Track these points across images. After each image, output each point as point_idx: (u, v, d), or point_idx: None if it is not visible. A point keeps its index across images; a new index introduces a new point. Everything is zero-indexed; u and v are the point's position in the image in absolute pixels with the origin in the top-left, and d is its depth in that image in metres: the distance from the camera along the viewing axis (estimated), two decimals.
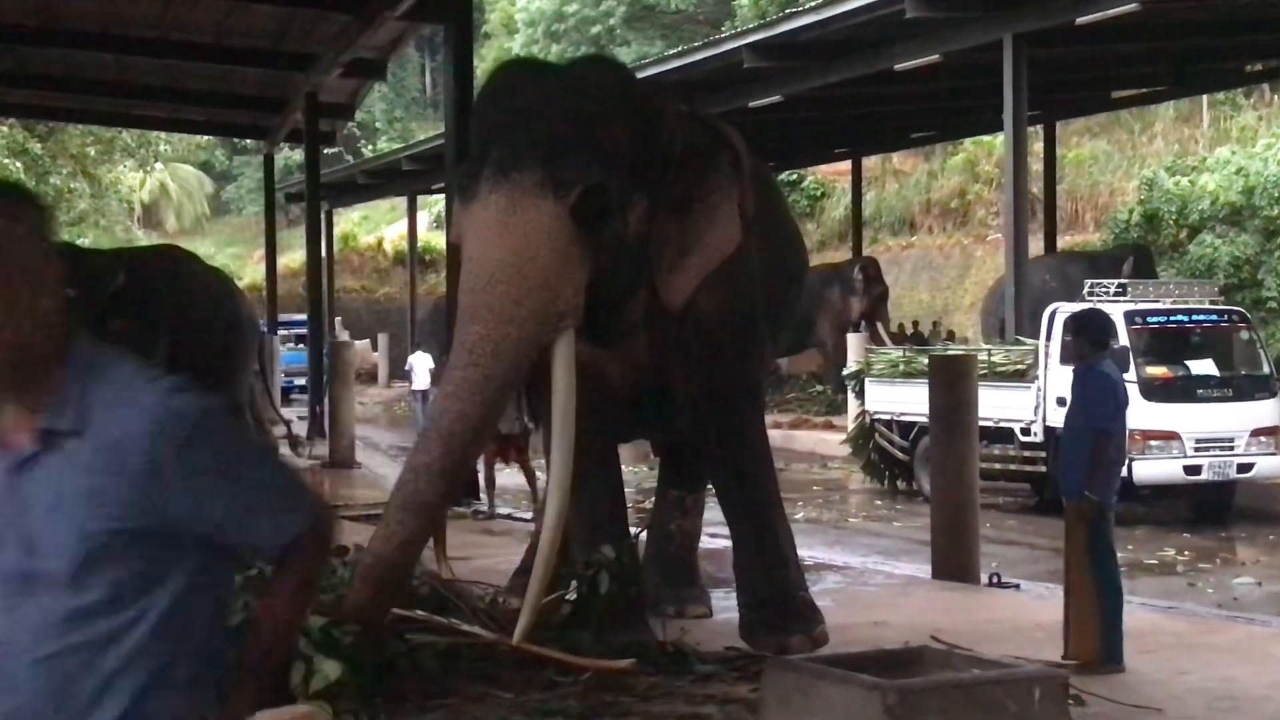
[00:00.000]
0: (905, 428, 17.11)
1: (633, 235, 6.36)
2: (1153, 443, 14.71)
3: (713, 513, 9.44)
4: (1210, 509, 15.38)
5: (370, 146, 53.72)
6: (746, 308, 7.36)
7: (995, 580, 9.74)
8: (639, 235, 6.39)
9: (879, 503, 17.13)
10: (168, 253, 19.02)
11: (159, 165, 43.61)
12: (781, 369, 28.10)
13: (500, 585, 7.76)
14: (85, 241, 33.89)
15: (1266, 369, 15.61)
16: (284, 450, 18.90)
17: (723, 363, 7.24)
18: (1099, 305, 15.78)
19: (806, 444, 22.18)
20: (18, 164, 31.49)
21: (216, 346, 17.64)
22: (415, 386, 27.10)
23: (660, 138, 6.55)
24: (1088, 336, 7.47)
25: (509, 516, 12.87)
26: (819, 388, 27.30)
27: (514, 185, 6.06)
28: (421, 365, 27.83)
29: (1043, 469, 15.61)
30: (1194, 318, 15.84)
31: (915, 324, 31.16)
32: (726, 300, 7.03)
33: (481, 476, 13.20)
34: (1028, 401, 15.61)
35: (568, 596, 6.90)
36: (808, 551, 9.41)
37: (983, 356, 15.63)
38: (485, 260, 6.07)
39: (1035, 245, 25.35)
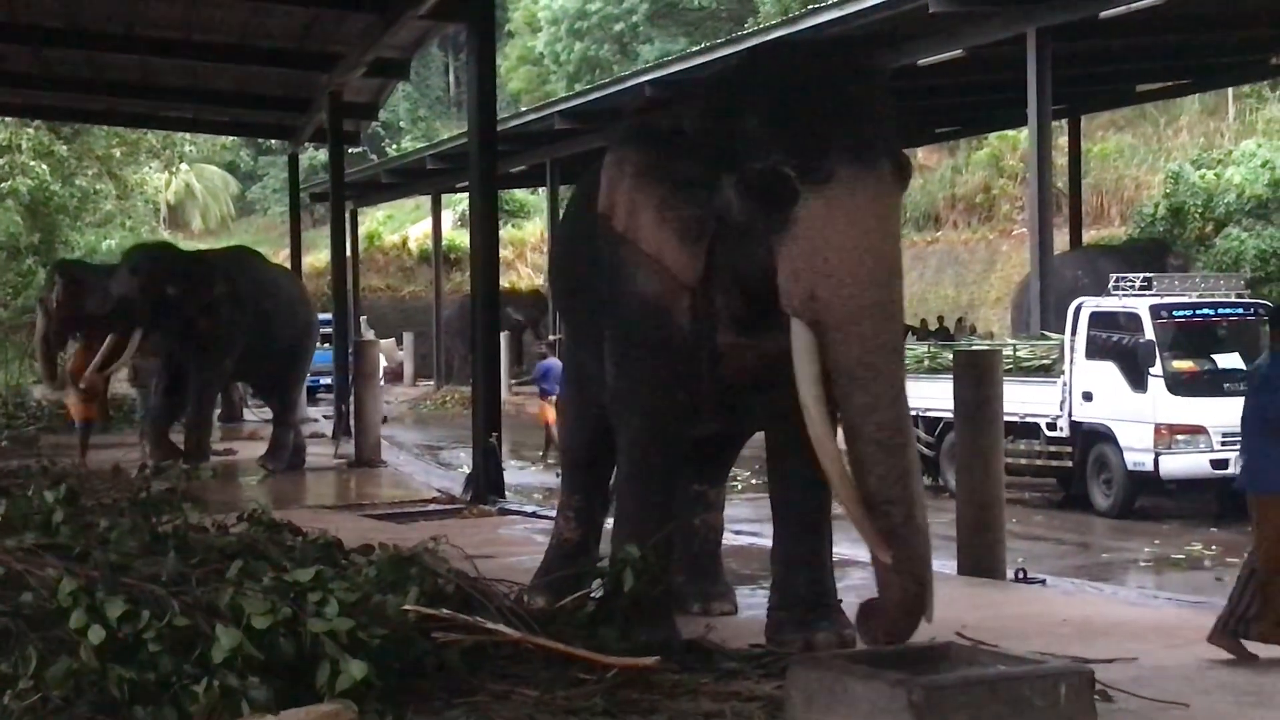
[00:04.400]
0: (930, 423, 17.06)
1: None
2: (1179, 437, 14.66)
3: (734, 509, 9.42)
4: (1237, 503, 15.29)
5: (394, 146, 53.76)
6: None
7: (1021, 576, 9.70)
8: None
9: None
10: (247, 255, 19.03)
11: (184, 166, 43.69)
12: None
13: (524, 584, 7.75)
14: (112, 244, 34.10)
15: None
16: (313, 449, 19.00)
17: None
18: (1125, 299, 15.79)
19: None
20: (44, 166, 31.62)
21: (287, 349, 17.64)
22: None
23: None
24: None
25: (534, 514, 12.89)
26: None
27: (879, 175, 6.04)
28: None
29: (1069, 464, 15.56)
30: (1220, 311, 15.78)
31: (940, 319, 31.08)
32: None
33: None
34: (1054, 396, 15.57)
35: (593, 594, 6.91)
36: (834, 547, 9.38)
37: (1008, 351, 15.58)
38: (882, 253, 6.00)
39: (1060, 240, 25.28)
